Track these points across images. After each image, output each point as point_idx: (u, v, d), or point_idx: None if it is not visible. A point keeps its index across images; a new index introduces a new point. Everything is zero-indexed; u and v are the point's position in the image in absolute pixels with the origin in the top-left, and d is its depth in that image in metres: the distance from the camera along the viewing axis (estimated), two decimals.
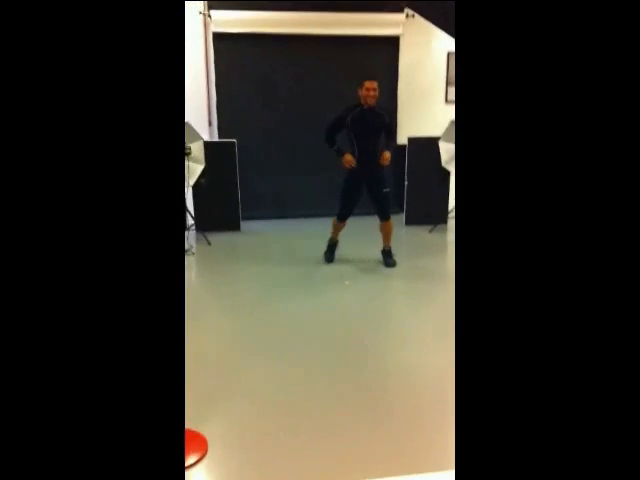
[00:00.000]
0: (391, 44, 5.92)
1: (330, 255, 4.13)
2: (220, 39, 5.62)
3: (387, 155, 3.88)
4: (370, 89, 3.72)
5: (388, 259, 4.14)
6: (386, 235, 4.15)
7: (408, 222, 5.59)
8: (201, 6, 5.46)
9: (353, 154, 3.86)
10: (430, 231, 5.30)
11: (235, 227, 5.47)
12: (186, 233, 4.67)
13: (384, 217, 4.06)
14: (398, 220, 5.78)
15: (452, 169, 5.38)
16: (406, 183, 5.51)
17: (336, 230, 4.13)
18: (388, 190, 4.00)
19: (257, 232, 5.49)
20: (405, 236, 5.32)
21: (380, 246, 4.22)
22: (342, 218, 4.03)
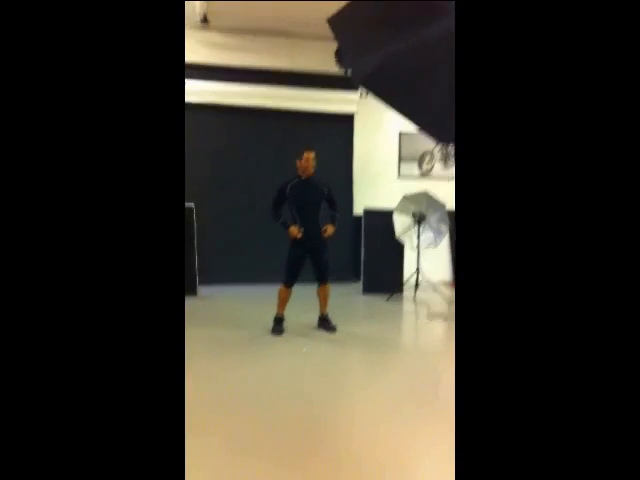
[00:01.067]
0: (346, 121, 6.24)
1: (278, 329, 4.09)
2: None
3: (330, 230, 4.04)
4: (309, 159, 3.90)
5: (327, 325, 4.20)
6: (323, 299, 4.23)
7: (365, 291, 5.66)
8: None
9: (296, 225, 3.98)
10: (387, 300, 5.37)
11: (192, 292, 5.38)
12: None
13: (322, 281, 4.17)
14: (356, 289, 5.86)
15: (406, 241, 5.56)
16: (363, 253, 5.62)
17: (282, 301, 4.13)
18: (328, 258, 4.11)
19: (214, 297, 5.40)
20: (363, 305, 5.35)
21: (336, 313, 4.24)
22: (288, 285, 4.08)
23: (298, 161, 3.95)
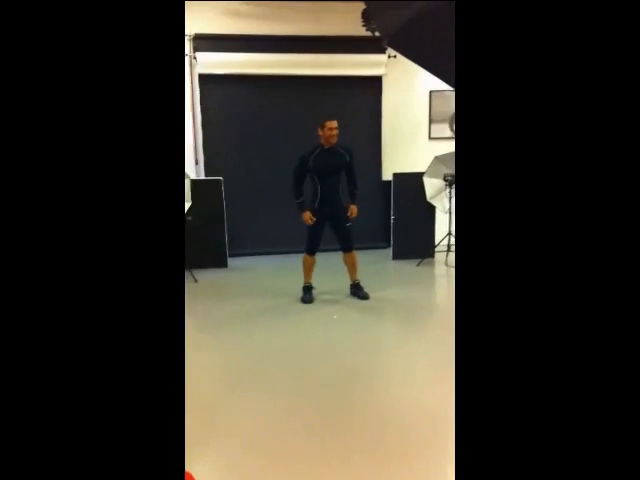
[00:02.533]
0: (374, 84, 6.07)
1: (308, 297, 4.11)
2: (206, 80, 5.72)
3: (354, 209, 4.02)
4: (333, 128, 3.81)
5: (359, 292, 4.19)
6: (351, 267, 4.21)
7: (396, 256, 5.61)
8: (187, 48, 5.58)
9: (315, 195, 3.94)
10: (418, 265, 5.32)
11: (222, 264, 5.44)
12: None
13: (347, 248, 4.13)
14: (386, 254, 5.82)
15: (437, 204, 5.45)
16: (392, 218, 5.55)
17: (307, 269, 4.15)
18: (350, 224, 4.07)
19: (244, 268, 5.45)
20: (393, 270, 5.33)
21: (365, 280, 4.25)
22: (310, 252, 4.09)
23: (320, 130, 3.86)
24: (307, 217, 3.93)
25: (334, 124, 3.82)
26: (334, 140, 3.85)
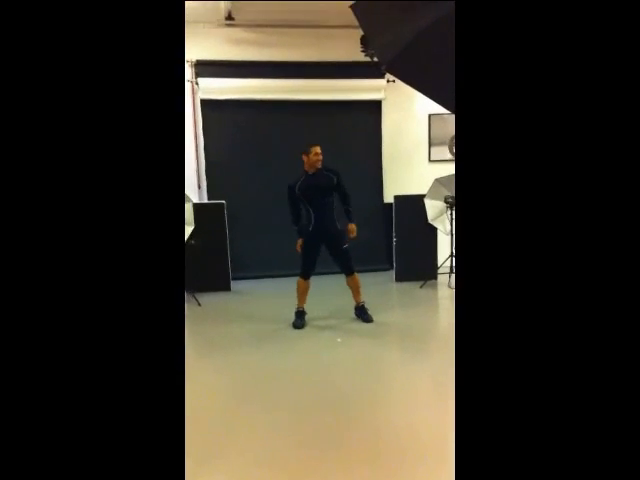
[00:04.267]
0: (374, 108, 6.15)
1: (299, 322, 4.07)
2: (208, 105, 5.80)
3: (352, 227, 3.99)
4: (319, 153, 3.86)
5: (364, 315, 4.14)
6: (355, 290, 4.17)
7: (398, 279, 5.60)
8: (189, 74, 5.68)
9: (309, 219, 3.96)
10: (421, 287, 5.31)
11: (225, 287, 5.43)
12: None
13: (348, 272, 4.09)
14: (389, 277, 5.82)
15: (439, 225, 5.47)
16: (394, 240, 5.56)
17: (301, 293, 4.12)
18: (347, 246, 4.02)
19: (248, 292, 5.44)
20: (396, 292, 5.31)
21: (368, 302, 4.24)
22: (305, 276, 4.07)
23: (305, 155, 3.89)
24: (299, 246, 4.01)
25: (319, 149, 3.87)
26: (319, 164, 3.88)
